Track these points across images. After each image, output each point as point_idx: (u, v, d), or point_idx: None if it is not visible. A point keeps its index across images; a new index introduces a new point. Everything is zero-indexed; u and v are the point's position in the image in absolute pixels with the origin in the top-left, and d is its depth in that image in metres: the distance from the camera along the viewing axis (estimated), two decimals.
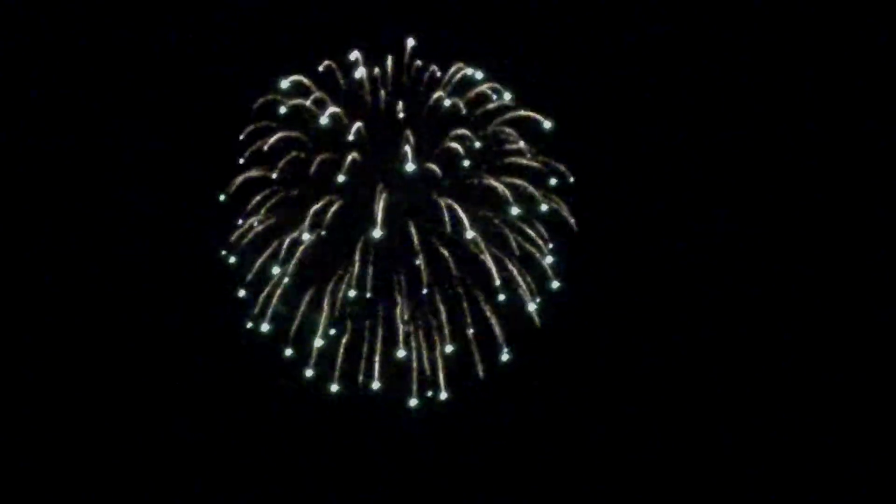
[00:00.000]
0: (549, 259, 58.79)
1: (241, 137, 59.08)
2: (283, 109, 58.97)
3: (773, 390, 60.71)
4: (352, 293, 58.49)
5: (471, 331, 58.76)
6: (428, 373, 59.00)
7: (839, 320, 61.14)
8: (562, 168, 58.82)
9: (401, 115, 58.48)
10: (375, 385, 58.97)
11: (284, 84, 59.06)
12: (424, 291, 58.33)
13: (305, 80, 59.19)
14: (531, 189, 58.50)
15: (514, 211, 58.12)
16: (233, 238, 59.62)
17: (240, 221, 59.43)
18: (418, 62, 59.13)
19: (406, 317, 58.58)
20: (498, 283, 57.77)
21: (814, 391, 60.50)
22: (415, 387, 58.95)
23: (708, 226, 61.85)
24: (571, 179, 58.83)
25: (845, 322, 61.11)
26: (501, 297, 58.01)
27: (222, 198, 59.57)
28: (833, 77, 61.85)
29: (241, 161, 59.24)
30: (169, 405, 61.16)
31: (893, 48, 61.51)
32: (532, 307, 58.51)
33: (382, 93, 59.03)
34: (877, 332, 60.72)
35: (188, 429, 60.89)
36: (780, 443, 60.37)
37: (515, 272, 58.41)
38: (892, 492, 58.60)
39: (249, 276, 59.36)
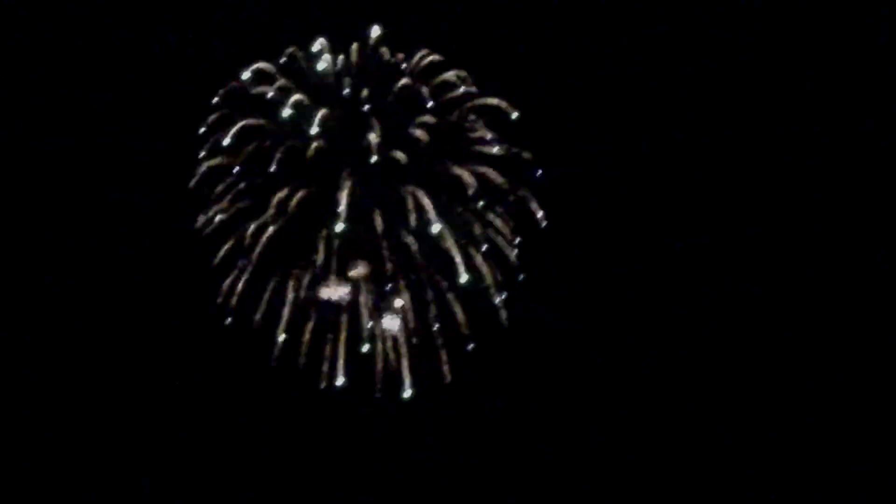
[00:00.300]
0: (515, 251, 57.88)
1: (203, 129, 58.25)
2: (245, 98, 58.04)
3: (757, 390, 60.13)
4: (315, 284, 57.65)
5: (436, 325, 57.92)
6: (393, 367, 58.08)
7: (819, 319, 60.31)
8: (528, 157, 57.85)
9: (366, 103, 57.60)
10: (339, 381, 57.95)
11: (247, 73, 58.10)
12: (388, 287, 57.45)
13: (268, 68, 58.35)
14: (498, 178, 57.55)
15: (480, 201, 57.18)
16: (196, 227, 58.72)
17: (200, 217, 58.48)
18: (384, 49, 58.35)
19: (370, 309, 57.73)
20: (465, 277, 56.71)
21: (793, 386, 59.79)
22: (379, 381, 58.08)
23: (681, 219, 60.97)
24: (539, 172, 57.88)
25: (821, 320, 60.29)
26: (467, 290, 56.95)
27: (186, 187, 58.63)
28: (805, 66, 61.03)
29: (204, 151, 58.32)
30: (129, 397, 60.16)
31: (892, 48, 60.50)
32: (498, 300, 57.55)
33: (347, 80, 58.16)
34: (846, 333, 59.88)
35: (147, 421, 59.96)
36: (759, 440, 59.66)
37: (482, 264, 57.47)
38: (892, 492, 57.62)
39: (213, 265, 58.51)
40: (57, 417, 60.03)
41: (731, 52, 61.02)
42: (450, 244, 56.36)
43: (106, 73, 61.61)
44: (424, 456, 59.12)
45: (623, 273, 60.08)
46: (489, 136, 57.73)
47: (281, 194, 57.27)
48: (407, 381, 57.39)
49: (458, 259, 56.27)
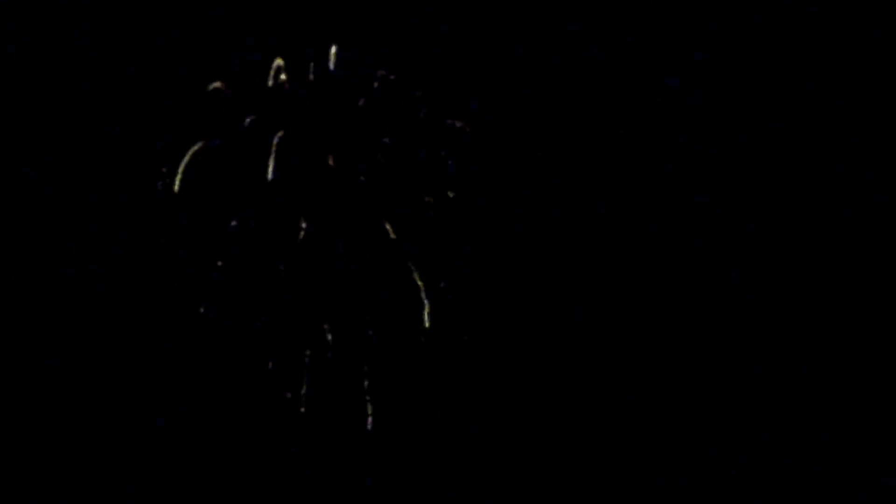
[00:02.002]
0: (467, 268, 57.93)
1: (159, 147, 57.89)
2: (203, 118, 57.65)
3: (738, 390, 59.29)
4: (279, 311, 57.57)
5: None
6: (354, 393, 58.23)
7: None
8: (485, 174, 57.81)
9: (324, 124, 57.35)
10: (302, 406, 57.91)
11: (205, 92, 57.82)
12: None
13: (225, 88, 57.97)
14: (455, 198, 57.55)
15: (438, 222, 57.21)
16: (158, 251, 58.35)
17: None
18: (342, 70, 58.03)
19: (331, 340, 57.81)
20: (427, 309, 56.82)
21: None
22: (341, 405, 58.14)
23: (633, 232, 60.77)
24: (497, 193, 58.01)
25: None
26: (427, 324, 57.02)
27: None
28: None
29: (163, 171, 57.82)
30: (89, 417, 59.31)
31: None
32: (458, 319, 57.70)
33: (305, 101, 57.84)
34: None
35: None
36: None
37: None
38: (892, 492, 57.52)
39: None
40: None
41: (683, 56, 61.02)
42: (415, 277, 56.60)
43: (60, 102, 60.76)
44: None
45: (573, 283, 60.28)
46: (445, 154, 57.79)
47: (239, 217, 57.18)
48: (369, 407, 57.91)
49: (422, 288, 56.60)
